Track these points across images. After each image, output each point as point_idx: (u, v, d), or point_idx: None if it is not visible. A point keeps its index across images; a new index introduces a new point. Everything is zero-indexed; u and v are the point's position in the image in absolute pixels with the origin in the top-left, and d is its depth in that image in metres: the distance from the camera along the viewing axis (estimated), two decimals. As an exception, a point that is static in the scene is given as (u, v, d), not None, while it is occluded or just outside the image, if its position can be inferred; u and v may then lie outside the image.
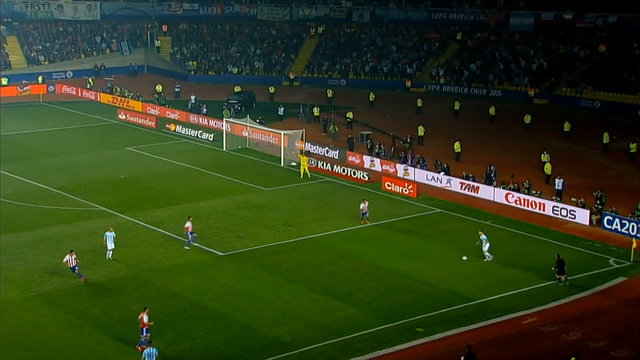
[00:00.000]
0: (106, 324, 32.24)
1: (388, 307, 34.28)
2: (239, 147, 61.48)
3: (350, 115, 69.65)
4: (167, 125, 68.18)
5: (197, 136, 65.07)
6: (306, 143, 59.35)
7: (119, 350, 30.20)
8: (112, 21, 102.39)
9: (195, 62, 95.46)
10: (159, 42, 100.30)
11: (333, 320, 32.94)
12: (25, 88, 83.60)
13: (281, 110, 72.20)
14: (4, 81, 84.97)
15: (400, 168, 54.29)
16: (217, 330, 31.99)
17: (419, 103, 75.99)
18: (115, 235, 38.79)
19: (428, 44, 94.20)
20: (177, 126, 67.53)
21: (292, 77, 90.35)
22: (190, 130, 66.21)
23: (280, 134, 58.37)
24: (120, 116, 72.35)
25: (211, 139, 63.75)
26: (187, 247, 40.33)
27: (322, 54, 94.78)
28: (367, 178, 53.16)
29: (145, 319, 30.08)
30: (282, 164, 56.87)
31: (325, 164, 55.66)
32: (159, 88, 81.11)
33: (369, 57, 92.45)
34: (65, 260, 35.79)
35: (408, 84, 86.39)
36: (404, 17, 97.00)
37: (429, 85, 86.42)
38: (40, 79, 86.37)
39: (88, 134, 67.17)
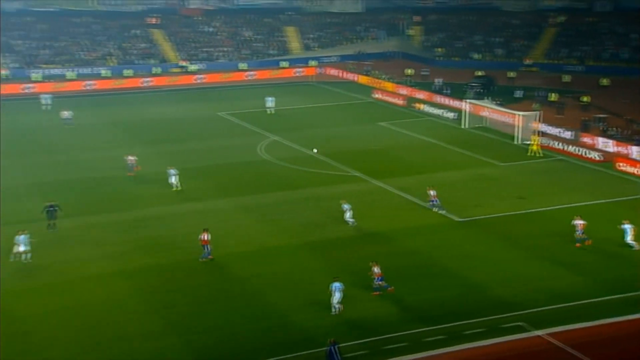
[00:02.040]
0: (350, 272, 32.83)
1: (614, 279, 31.99)
2: (478, 125, 60.22)
3: (585, 99, 65.44)
4: (414, 104, 68.47)
5: (440, 115, 64.68)
6: (541, 124, 56.74)
7: (365, 289, 31.08)
8: (373, 13, 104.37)
9: (442, 49, 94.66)
10: (412, 31, 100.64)
11: (558, 287, 31.39)
12: (299, 70, 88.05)
13: (519, 94, 69.61)
14: (284, 64, 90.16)
15: (634, 150, 50.16)
16: (451, 286, 31.78)
17: (659, 89, 69.62)
18: (350, 206, 38.57)
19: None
20: (423, 105, 67.57)
21: (530, 63, 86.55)
22: (434, 109, 65.96)
23: (517, 114, 56.32)
24: (374, 95, 73.82)
25: (453, 117, 63.04)
26: (438, 210, 40.36)
27: (561, 42, 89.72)
28: (599, 158, 49.77)
29: (377, 269, 30.70)
30: (517, 142, 54.91)
31: (558, 143, 52.92)
32: (409, 71, 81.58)
33: (608, 45, 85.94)
34: (200, 237, 33.65)
35: (649, 70, 79.35)
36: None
37: (671, 72, 78.65)
38: (312, 62, 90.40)
39: (347, 109, 69.27)
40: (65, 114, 61.52)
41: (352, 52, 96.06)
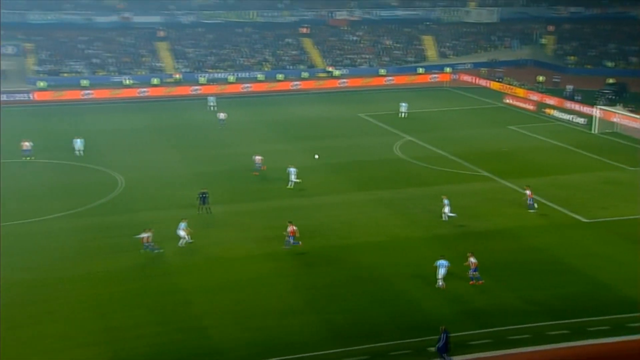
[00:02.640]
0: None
1: None
2: (608, 131, 56.51)
3: None
4: (544, 110, 65.37)
5: (570, 120, 61.35)
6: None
7: (488, 280, 30.07)
8: (507, 23, 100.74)
9: (574, 57, 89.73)
10: (545, 40, 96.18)
11: (688, 292, 28.88)
12: (435, 76, 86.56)
13: (652, 100, 64.67)
14: (421, 70, 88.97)
15: None
16: (575, 283, 30.13)
17: None
18: (449, 201, 37.42)
19: None
20: (554, 111, 64.38)
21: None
22: (564, 114, 62.69)
23: (650, 120, 52.36)
24: (505, 100, 71.20)
25: (583, 123, 59.57)
26: (531, 211, 38.42)
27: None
28: None
29: (473, 260, 29.86)
30: (648, 148, 51.12)
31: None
32: (540, 78, 78.03)
33: None
34: (286, 231, 33.51)
35: None
36: None
37: None
38: (447, 69, 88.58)
39: (479, 113, 67.31)
40: (221, 115, 63.86)
41: (485, 59, 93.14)
